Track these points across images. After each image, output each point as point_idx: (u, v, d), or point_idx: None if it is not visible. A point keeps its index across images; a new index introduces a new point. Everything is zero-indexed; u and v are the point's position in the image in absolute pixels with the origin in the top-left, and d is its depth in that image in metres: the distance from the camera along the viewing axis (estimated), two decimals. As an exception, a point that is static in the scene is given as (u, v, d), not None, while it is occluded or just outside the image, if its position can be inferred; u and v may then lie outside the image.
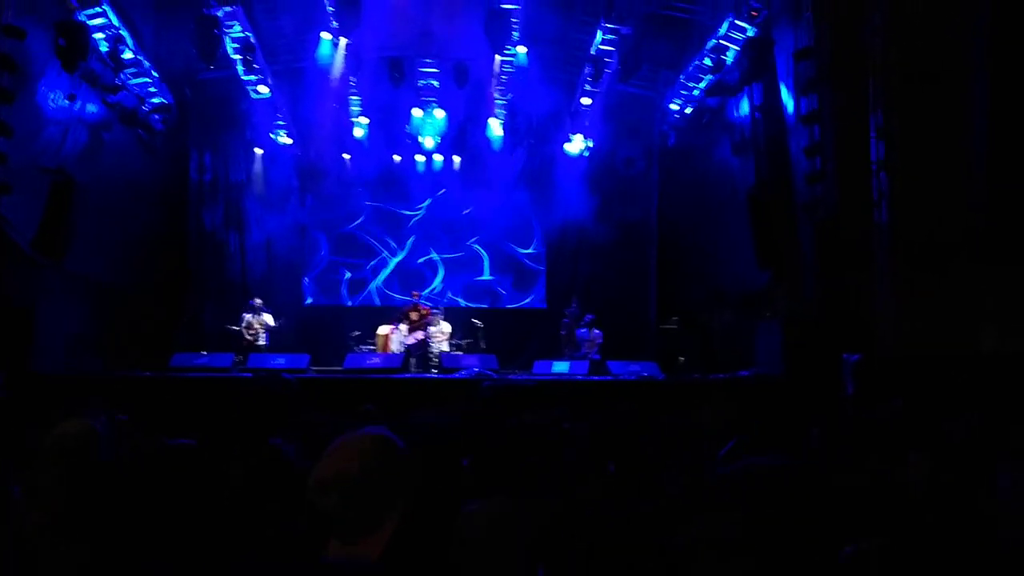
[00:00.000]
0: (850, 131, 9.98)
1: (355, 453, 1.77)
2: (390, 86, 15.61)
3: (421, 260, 17.50)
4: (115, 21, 12.32)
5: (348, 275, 17.44)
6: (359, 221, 17.47)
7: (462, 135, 16.86)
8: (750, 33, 12.24)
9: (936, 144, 9.04)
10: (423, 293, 15.96)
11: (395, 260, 17.51)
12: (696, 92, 14.18)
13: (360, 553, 1.67)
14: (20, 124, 10.58)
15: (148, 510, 2.06)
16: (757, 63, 12.41)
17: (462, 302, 17.20)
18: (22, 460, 3.38)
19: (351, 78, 15.61)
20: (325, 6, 13.87)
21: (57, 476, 2.62)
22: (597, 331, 13.98)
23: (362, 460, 1.73)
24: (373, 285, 17.45)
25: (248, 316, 13.98)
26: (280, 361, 12.26)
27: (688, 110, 14.74)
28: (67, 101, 11.90)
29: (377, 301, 17.16)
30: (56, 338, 10.99)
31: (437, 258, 17.52)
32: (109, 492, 2.17)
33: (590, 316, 14.17)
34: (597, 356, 13.43)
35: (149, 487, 2.18)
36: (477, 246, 17.55)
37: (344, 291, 17.42)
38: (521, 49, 15.05)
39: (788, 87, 11.36)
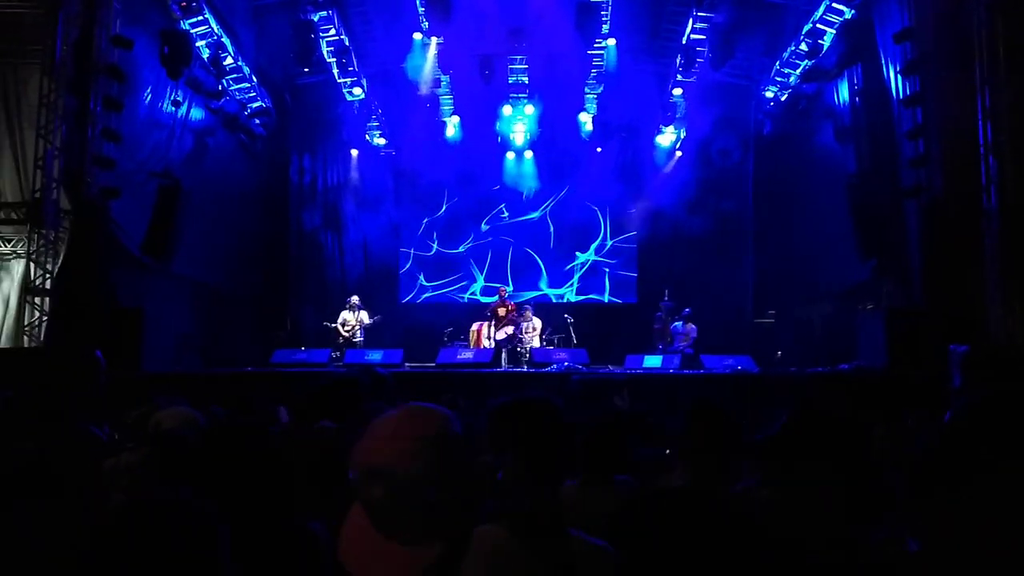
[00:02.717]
0: (956, 113, 9.57)
1: (423, 442, 1.58)
2: (481, 84, 15.72)
3: (513, 256, 17.53)
4: (216, 29, 12.77)
5: (442, 273, 17.62)
6: (452, 219, 17.63)
7: (553, 130, 16.83)
8: (848, 15, 11.85)
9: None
10: (510, 290, 16.00)
11: (483, 257, 17.60)
12: (792, 79, 13.80)
13: (416, 557, 1.51)
14: (128, 131, 11.10)
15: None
16: (856, 46, 12.02)
17: (553, 297, 17.20)
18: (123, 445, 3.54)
19: (443, 77, 15.77)
20: (416, 7, 14.07)
21: (154, 457, 2.73)
22: (692, 326, 13.75)
23: (428, 451, 1.57)
24: (464, 283, 17.59)
25: (345, 313, 14.29)
26: (375, 356, 12.48)
27: (784, 97, 14.36)
28: (172, 108, 12.41)
29: (471, 299, 17.30)
30: (164, 338, 11.43)
31: (532, 254, 17.53)
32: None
33: (687, 310, 13.95)
34: (691, 350, 13.20)
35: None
36: (568, 240, 17.49)
37: (436, 289, 17.62)
38: (611, 42, 14.93)
39: (890, 69, 10.94)
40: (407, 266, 17.73)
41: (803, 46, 12.82)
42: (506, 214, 17.64)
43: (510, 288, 16.45)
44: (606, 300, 17.37)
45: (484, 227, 17.65)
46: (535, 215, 17.59)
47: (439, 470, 1.49)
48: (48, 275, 11.45)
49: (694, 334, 13.73)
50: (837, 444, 2.05)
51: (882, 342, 9.93)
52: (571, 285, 17.47)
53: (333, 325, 14.27)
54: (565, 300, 17.09)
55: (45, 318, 11.23)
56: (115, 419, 4.82)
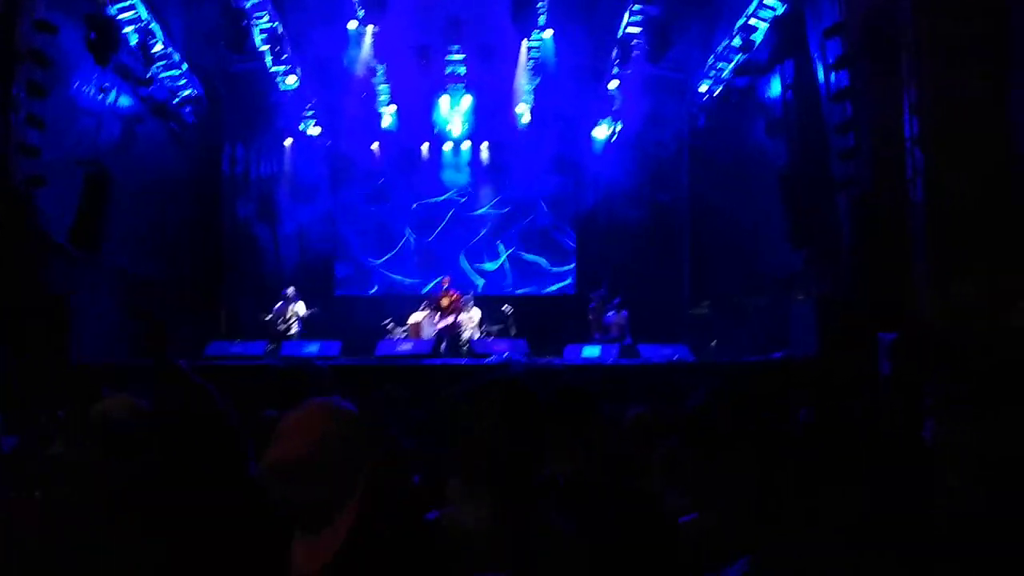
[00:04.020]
0: (883, 107, 9.82)
1: (311, 430, 1.59)
2: (417, 74, 15.63)
3: (451, 247, 17.51)
4: (145, 14, 12.45)
5: (377, 263, 17.51)
6: (387, 210, 17.51)
7: (489, 121, 16.83)
8: (779, 11, 12.07)
9: (971, 118, 8.87)
10: (453, 280, 15.96)
11: (421, 248, 17.54)
12: (726, 73, 14.02)
13: (321, 546, 1.55)
14: (53, 118, 10.74)
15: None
16: (787, 41, 12.26)
17: (479, 284, 17.23)
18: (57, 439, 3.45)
19: (378, 66, 15.63)
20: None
21: (100, 449, 2.66)
22: (623, 312, 13.93)
23: (321, 439, 1.57)
24: (402, 274, 17.50)
25: (281, 305, 14.10)
26: (312, 348, 12.36)
27: (718, 91, 14.58)
28: (100, 94, 12.06)
29: (407, 289, 17.21)
30: (92, 329, 11.13)
31: (468, 243, 17.53)
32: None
33: (618, 299, 14.12)
34: (629, 340, 13.37)
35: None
36: (504, 231, 17.54)
37: (374, 280, 17.50)
38: (548, 33, 14.98)
39: (820, 64, 11.20)
40: (342, 257, 17.55)
41: (736, 40, 13.02)
42: (442, 202, 17.57)
43: (468, 287, 16.41)
44: (545, 291, 17.45)
45: (417, 213, 17.56)
46: (479, 210, 17.56)
47: (330, 463, 1.51)
48: (-31, 266, 11.04)
49: (625, 321, 13.91)
50: (748, 421, 2.08)
51: (813, 330, 10.20)
52: (500, 270, 17.51)
53: (270, 317, 14.07)
54: (503, 292, 17.11)
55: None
56: (35, 410, 4.68)
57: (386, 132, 16.84)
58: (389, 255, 17.54)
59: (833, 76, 10.69)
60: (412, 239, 17.54)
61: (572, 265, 17.44)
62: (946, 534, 1.74)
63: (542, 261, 17.51)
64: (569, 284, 17.42)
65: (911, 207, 9.31)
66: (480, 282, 17.26)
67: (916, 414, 4.67)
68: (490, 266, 17.49)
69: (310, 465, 1.53)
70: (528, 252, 17.52)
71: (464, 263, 17.48)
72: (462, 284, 16.41)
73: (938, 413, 4.21)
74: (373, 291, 17.35)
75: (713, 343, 13.91)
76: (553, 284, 17.48)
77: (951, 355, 7.47)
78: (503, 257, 17.51)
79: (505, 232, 17.54)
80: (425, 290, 16.59)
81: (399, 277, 17.48)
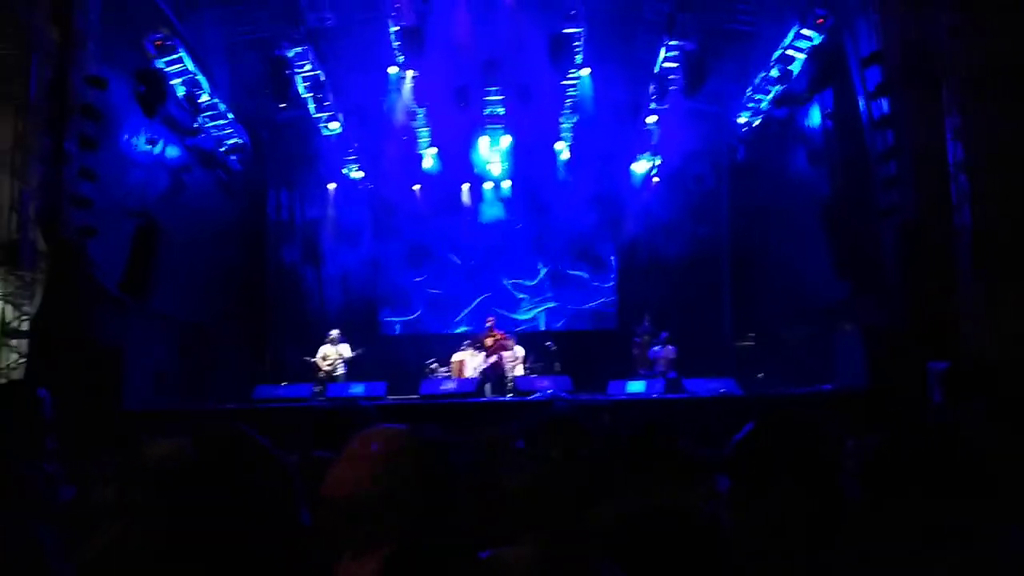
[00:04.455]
0: (926, 134, 9.73)
1: (371, 456, 1.60)
2: (456, 116, 15.84)
3: (494, 286, 17.57)
4: (191, 67, 12.79)
5: (422, 305, 17.62)
6: (431, 250, 17.65)
7: (528, 160, 16.96)
8: (817, 41, 12.06)
9: (1015, 142, 8.75)
10: (496, 319, 15.99)
11: (462, 300, 17.63)
12: (764, 104, 14.00)
13: (361, 570, 1.56)
14: (104, 170, 11.04)
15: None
16: (826, 70, 12.23)
17: (537, 325, 17.24)
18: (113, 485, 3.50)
19: (418, 110, 15.87)
20: (391, 41, 14.19)
21: (152, 492, 2.70)
22: (671, 347, 13.82)
23: (380, 464, 1.59)
24: (450, 313, 17.59)
25: (325, 347, 14.22)
26: (358, 389, 12.43)
27: (756, 123, 14.56)
28: (148, 146, 12.39)
29: (453, 329, 17.27)
30: (144, 376, 11.34)
31: (509, 283, 17.59)
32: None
33: (664, 334, 14.02)
34: (673, 374, 13.25)
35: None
36: (545, 269, 17.57)
37: (419, 320, 17.60)
38: (585, 71, 15.10)
39: (861, 93, 11.13)
40: (387, 299, 17.69)
41: (774, 72, 13.02)
42: (485, 241, 17.67)
43: (511, 325, 16.46)
44: (587, 328, 17.40)
45: (457, 260, 17.68)
46: (509, 243, 17.64)
47: (386, 485, 1.51)
48: (25, 317, 11.34)
49: (672, 355, 13.81)
50: (797, 454, 2.05)
51: (861, 361, 10.03)
52: (543, 309, 17.52)
53: (313, 360, 14.20)
54: (544, 327, 17.10)
55: (23, 360, 11.10)
56: (89, 458, 4.76)
57: (427, 174, 17.02)
58: (431, 295, 17.62)
59: (874, 104, 10.62)
60: (454, 278, 17.61)
61: (614, 300, 17.37)
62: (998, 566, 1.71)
63: (583, 275, 17.50)
64: (611, 320, 17.35)
65: (957, 233, 9.18)
66: (521, 316, 17.27)
67: (969, 444, 4.57)
68: (533, 310, 17.51)
69: (366, 490, 1.54)
70: (568, 268, 17.52)
71: (505, 283, 17.53)
72: (504, 321, 16.46)
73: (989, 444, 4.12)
74: (418, 332, 17.38)
75: (760, 376, 13.73)
76: (594, 300, 17.40)
77: (998, 383, 7.29)
78: (542, 273, 17.55)
79: (542, 268, 17.56)
80: (469, 330, 16.61)
81: (443, 317, 17.53)
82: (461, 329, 17.15)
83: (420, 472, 1.62)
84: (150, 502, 2.60)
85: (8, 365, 11.44)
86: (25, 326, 11.32)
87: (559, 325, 17.39)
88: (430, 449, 1.71)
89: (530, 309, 17.56)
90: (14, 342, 11.52)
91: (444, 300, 17.63)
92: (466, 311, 17.45)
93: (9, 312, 11.55)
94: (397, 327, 17.62)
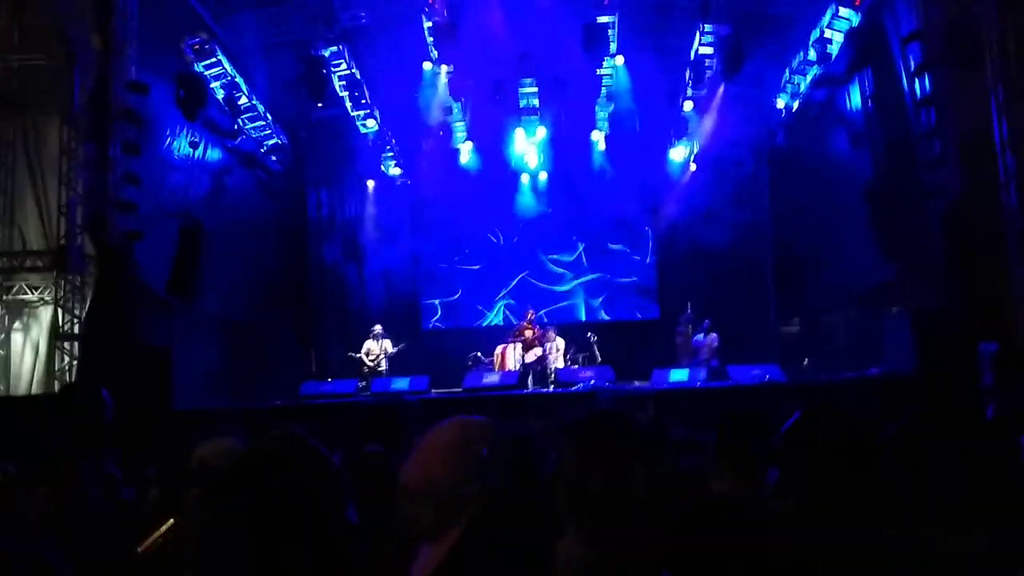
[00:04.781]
0: (970, 112, 9.55)
1: (446, 447, 1.67)
2: (492, 108, 15.84)
3: (532, 278, 17.58)
4: (230, 69, 12.96)
5: (462, 298, 17.68)
6: (470, 243, 17.71)
7: (565, 151, 16.92)
8: (855, 21, 11.86)
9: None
10: (536, 311, 15.99)
11: (502, 277, 17.66)
12: (802, 87, 13.81)
13: (434, 549, 1.60)
14: (147, 174, 11.25)
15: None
16: (865, 51, 12.04)
17: (578, 316, 17.21)
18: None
19: (454, 104, 15.90)
20: (424, 37, 14.23)
21: (203, 493, 2.76)
22: (714, 335, 13.72)
23: (447, 463, 1.63)
24: (490, 306, 17.64)
25: (369, 343, 14.35)
26: (402, 384, 12.53)
27: (795, 106, 14.36)
28: (190, 149, 12.58)
29: (493, 322, 17.33)
30: (193, 376, 11.53)
31: (550, 272, 17.58)
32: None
33: (707, 321, 13.93)
34: (716, 362, 13.16)
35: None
36: (586, 259, 17.54)
37: (460, 314, 17.67)
38: (619, 60, 15.01)
39: (902, 72, 10.93)
40: (428, 293, 17.79)
41: (812, 54, 12.84)
42: (523, 232, 17.68)
43: (552, 317, 16.49)
44: (628, 317, 17.33)
45: (500, 244, 17.71)
46: (547, 233, 17.62)
47: (460, 470, 1.54)
48: (76, 320, 11.60)
49: (716, 343, 13.71)
50: (842, 443, 2.04)
51: (909, 344, 9.87)
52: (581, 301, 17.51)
53: (358, 355, 14.34)
54: (586, 319, 17.06)
55: (75, 363, 11.36)
56: (144, 459, 4.86)
57: (464, 168, 17.07)
58: (470, 289, 17.67)
59: (916, 83, 10.43)
60: (493, 271, 17.65)
61: (655, 288, 17.28)
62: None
63: (621, 248, 17.51)
64: (653, 309, 17.25)
65: (1005, 212, 8.99)
66: (561, 307, 17.26)
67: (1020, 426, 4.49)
68: (573, 300, 17.49)
69: (444, 476, 1.58)
70: (608, 278, 17.48)
71: (542, 257, 17.61)
72: (544, 313, 16.46)
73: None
74: (459, 326, 17.45)
75: (805, 362, 13.58)
76: (637, 309, 17.34)
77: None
78: (579, 250, 17.58)
79: (585, 259, 17.54)
80: (510, 323, 16.63)
81: (483, 310, 17.57)
82: (498, 312, 17.23)
83: (496, 459, 1.66)
84: (201, 502, 2.65)
85: (61, 368, 11.70)
86: (76, 329, 11.57)
87: (598, 305, 17.33)
88: (514, 440, 1.73)
89: (570, 282, 17.53)
90: (66, 345, 11.78)
91: (482, 292, 17.65)
92: (505, 291, 17.50)
93: (60, 316, 11.80)
94: (438, 310, 17.66)
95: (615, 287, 17.45)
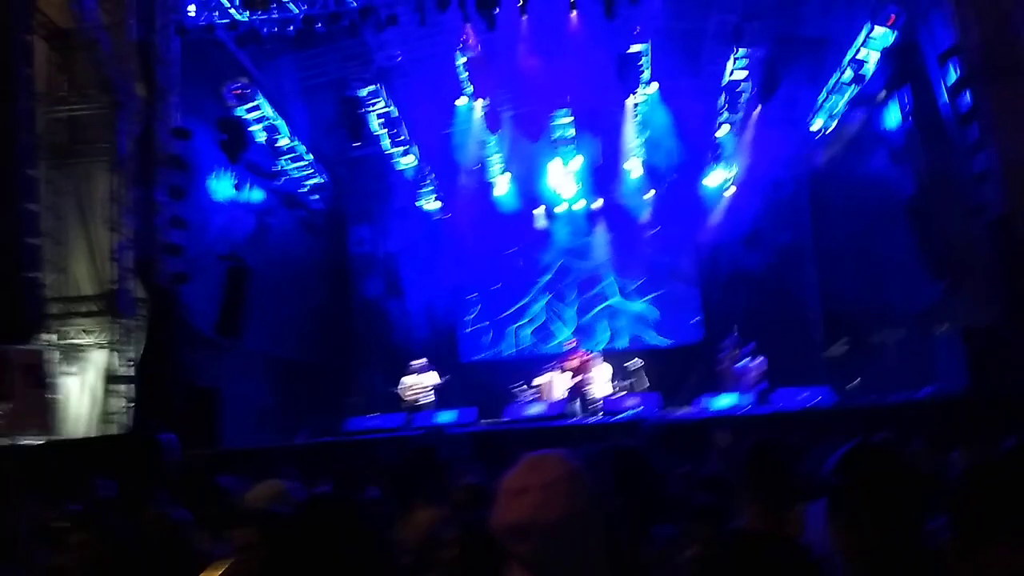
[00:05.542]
0: (1012, 126, 9.42)
1: (553, 489, 1.63)
2: (527, 140, 15.97)
3: (573, 307, 17.59)
4: (270, 113, 13.23)
5: (504, 329, 17.73)
6: (509, 274, 17.77)
7: (601, 180, 16.95)
8: (890, 39, 11.79)
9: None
10: (580, 339, 15.95)
11: (541, 307, 17.67)
12: (839, 107, 13.74)
13: None
14: (193, 217, 11.50)
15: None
16: (902, 68, 11.95)
17: (622, 344, 17.14)
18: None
19: (490, 137, 16.05)
20: (458, 72, 14.42)
21: (254, 533, 2.81)
22: (760, 358, 13.56)
23: (563, 495, 1.56)
24: (533, 335, 17.66)
25: (407, 378, 14.37)
26: (449, 416, 12.55)
27: (832, 126, 14.28)
28: (234, 191, 12.84)
29: (536, 351, 17.31)
30: (241, 414, 11.67)
31: (591, 301, 17.57)
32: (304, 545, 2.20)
33: (751, 344, 13.79)
34: (764, 385, 13.00)
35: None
36: (628, 286, 17.50)
37: (501, 344, 17.71)
38: (653, 87, 15.06)
39: (941, 89, 10.83)
40: (468, 324, 17.86)
41: (847, 74, 12.79)
42: (561, 262, 17.71)
43: (596, 345, 16.48)
44: (673, 343, 17.23)
45: (543, 280, 17.75)
46: (586, 264, 17.64)
47: (575, 511, 1.53)
48: (129, 362, 11.81)
49: (764, 367, 13.53)
50: (895, 486, 1.99)
51: (962, 363, 9.68)
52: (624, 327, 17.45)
53: (397, 391, 14.37)
54: (630, 347, 16.99)
55: (130, 404, 11.55)
56: (196, 499, 4.95)
57: (501, 200, 17.16)
58: (513, 319, 17.72)
59: (956, 99, 10.32)
60: (534, 301, 17.68)
61: (699, 315, 17.18)
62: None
63: (662, 274, 17.53)
64: (696, 333, 17.15)
65: (1055, 226, 8.84)
66: (605, 335, 17.22)
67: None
68: (615, 327, 17.46)
69: (554, 523, 1.56)
70: (651, 304, 17.41)
71: (583, 286, 17.67)
72: (587, 342, 16.43)
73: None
74: (502, 357, 17.48)
75: (855, 382, 13.37)
76: (681, 334, 17.26)
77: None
78: (620, 277, 17.64)
79: (624, 287, 17.51)
80: (553, 352, 16.63)
81: (525, 340, 17.60)
82: (541, 341, 17.26)
83: (601, 493, 1.64)
84: (259, 543, 2.70)
85: (116, 411, 11.91)
86: (129, 372, 11.77)
87: (642, 331, 17.29)
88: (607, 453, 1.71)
89: (612, 309, 17.51)
90: (120, 387, 11.99)
91: (523, 314, 17.68)
92: (546, 319, 17.53)
93: (113, 359, 12.02)
94: (479, 353, 17.73)
95: (659, 313, 17.38)
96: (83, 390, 12.47)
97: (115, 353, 12.02)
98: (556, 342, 17.07)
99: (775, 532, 2.64)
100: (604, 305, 17.58)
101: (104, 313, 12.51)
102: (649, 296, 17.45)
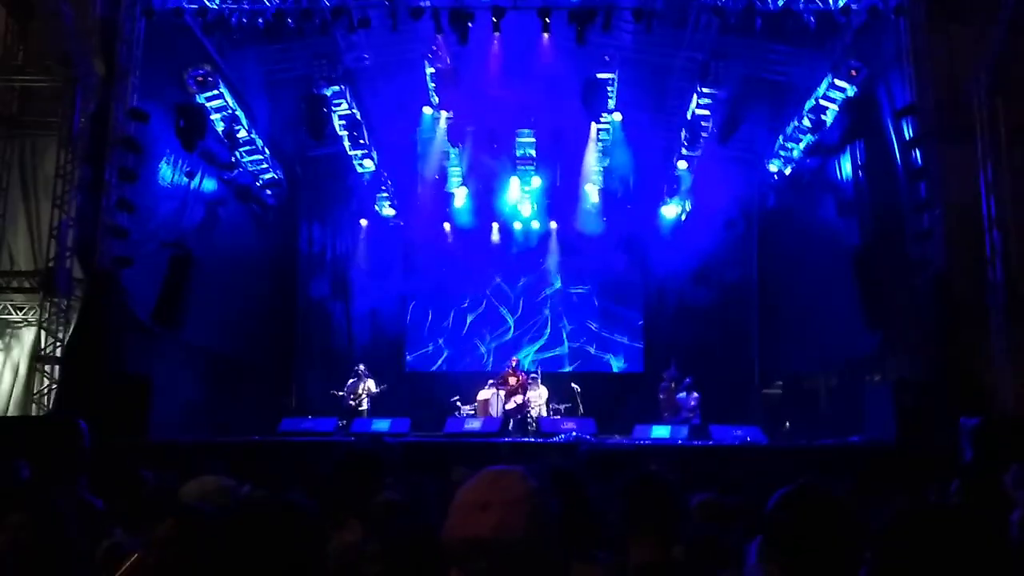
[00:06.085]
0: (959, 188, 9.71)
1: (517, 506, 1.53)
2: (489, 156, 16.00)
3: (518, 326, 17.62)
4: (231, 103, 13.03)
5: (446, 342, 17.68)
6: (459, 289, 17.74)
7: (559, 202, 17.05)
8: (850, 92, 12.09)
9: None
10: (521, 358, 15.98)
11: (487, 323, 17.67)
12: (796, 153, 14.02)
13: None
14: (142, 201, 11.24)
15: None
16: (859, 122, 12.24)
17: (562, 367, 17.21)
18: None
19: (451, 150, 16.05)
20: (426, 82, 14.41)
21: (172, 528, 2.74)
22: (696, 394, 13.74)
23: (525, 513, 1.54)
24: (474, 352, 17.64)
25: (352, 382, 14.27)
26: (383, 425, 12.44)
27: (787, 171, 14.56)
28: (186, 179, 12.61)
29: (476, 367, 17.28)
30: (172, 406, 11.38)
31: (537, 322, 17.62)
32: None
33: (689, 379, 13.96)
34: (698, 420, 13.16)
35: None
36: (573, 310, 17.60)
37: (445, 358, 17.65)
38: (617, 116, 15.22)
39: (893, 145, 11.12)
40: (413, 334, 17.77)
41: (806, 121, 13.06)
42: (513, 281, 17.74)
43: (527, 360, 16.51)
44: (613, 370, 17.36)
45: (487, 291, 17.76)
46: (537, 283, 17.72)
47: (535, 530, 1.51)
48: (58, 343, 11.51)
49: (696, 402, 13.73)
50: (834, 526, 2.04)
51: (891, 414, 9.90)
52: (566, 351, 17.54)
53: (341, 394, 14.25)
54: (571, 370, 17.07)
55: (54, 386, 11.24)
56: (115, 490, 4.81)
57: (457, 213, 17.16)
58: (457, 333, 17.70)
59: (906, 156, 10.60)
60: (481, 317, 17.68)
61: (641, 345, 17.34)
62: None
63: (609, 301, 17.65)
64: (637, 363, 17.30)
65: (990, 288, 9.11)
66: (546, 356, 17.28)
67: (999, 504, 4.50)
68: (558, 350, 17.53)
69: (514, 534, 1.52)
70: (595, 330, 17.52)
71: (529, 305, 17.74)
72: (529, 362, 16.47)
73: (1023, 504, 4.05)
74: (441, 369, 17.46)
75: (787, 425, 13.60)
76: (617, 327, 17.47)
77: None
78: (567, 300, 17.75)
79: (570, 310, 17.60)
80: (493, 369, 16.62)
81: (467, 355, 17.58)
82: (482, 358, 17.31)
83: (555, 511, 1.61)
84: (180, 538, 2.63)
85: (40, 391, 11.58)
86: (58, 352, 11.47)
87: (583, 356, 17.41)
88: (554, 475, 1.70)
89: (556, 332, 17.60)
90: (47, 368, 11.67)
91: (468, 338, 17.67)
92: (490, 336, 17.54)
93: (43, 338, 11.71)
94: (421, 363, 17.66)
95: (601, 339, 17.50)
96: (8, 367, 12.13)
97: (45, 332, 11.71)
98: (496, 360, 17.04)
99: (667, 564, 2.65)
100: (548, 326, 17.64)
101: (39, 290, 12.19)
102: (594, 322, 17.56)
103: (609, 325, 17.53)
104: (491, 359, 17.36)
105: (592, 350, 17.49)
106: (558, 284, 17.68)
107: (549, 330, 17.62)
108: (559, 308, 17.66)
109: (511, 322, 17.66)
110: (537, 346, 17.53)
